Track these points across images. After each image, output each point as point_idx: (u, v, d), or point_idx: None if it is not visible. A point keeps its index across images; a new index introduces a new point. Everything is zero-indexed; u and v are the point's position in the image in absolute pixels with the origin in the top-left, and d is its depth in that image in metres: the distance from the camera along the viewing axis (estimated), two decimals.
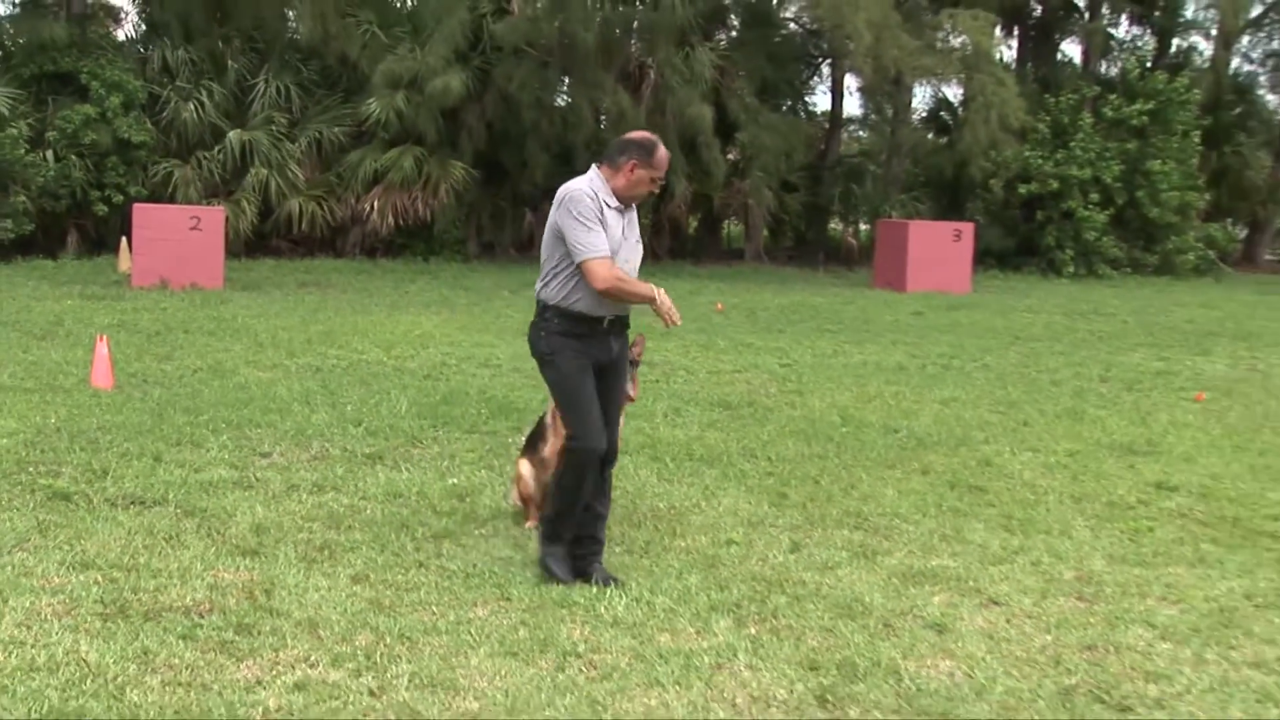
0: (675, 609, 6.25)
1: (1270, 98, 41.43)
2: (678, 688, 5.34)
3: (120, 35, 30.77)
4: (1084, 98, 34.00)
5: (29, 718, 4.77)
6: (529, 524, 7.63)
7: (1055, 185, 32.13)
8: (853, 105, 39.48)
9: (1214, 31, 39.51)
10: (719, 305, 21.58)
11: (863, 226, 37.06)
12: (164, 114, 26.99)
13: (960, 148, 32.27)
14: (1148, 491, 9.19)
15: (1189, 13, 39.32)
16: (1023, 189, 32.37)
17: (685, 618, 6.15)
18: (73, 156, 25.78)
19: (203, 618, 5.88)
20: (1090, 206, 32.08)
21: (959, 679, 5.59)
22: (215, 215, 22.05)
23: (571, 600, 6.30)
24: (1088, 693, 5.49)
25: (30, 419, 10.05)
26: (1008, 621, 6.36)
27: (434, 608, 6.16)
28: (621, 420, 7.19)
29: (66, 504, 7.74)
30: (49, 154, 25.60)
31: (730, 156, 31.68)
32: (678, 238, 33.90)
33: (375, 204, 27.59)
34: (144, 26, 30.23)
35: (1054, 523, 8.25)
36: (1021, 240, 33.23)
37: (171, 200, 25.29)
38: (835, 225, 38.31)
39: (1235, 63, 40.62)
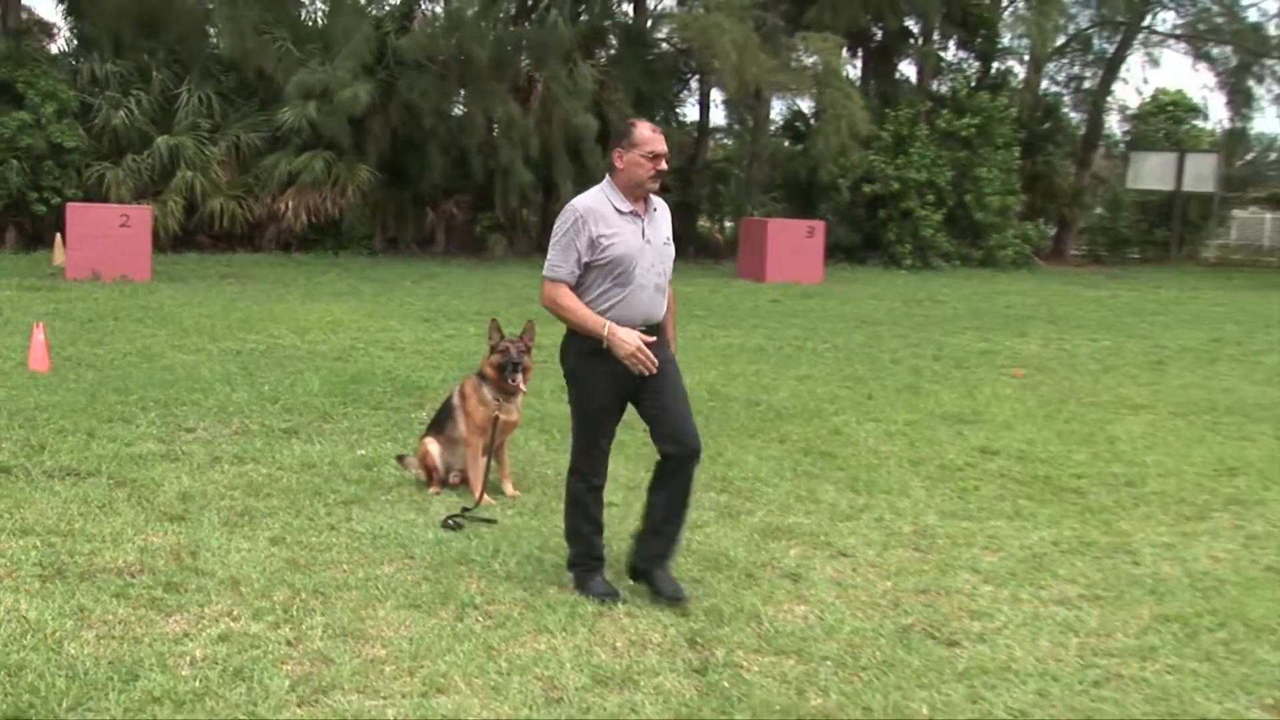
0: (562, 565, 6.24)
1: (1073, 115, 42.22)
2: (564, 633, 5.35)
3: (54, 49, 30.09)
4: (920, 112, 34.38)
5: None
6: (431, 491, 7.63)
7: (896, 187, 32.48)
8: (718, 116, 39.69)
9: (1026, 57, 40.27)
10: None
11: (727, 224, 37.31)
12: (95, 121, 26.40)
13: (813, 154, 32.52)
14: (974, 455, 9.36)
15: (1006, 40, 39.94)
16: (867, 190, 32.67)
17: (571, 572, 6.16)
18: (11, 160, 25.22)
19: (134, 577, 5.79)
20: (926, 207, 32.49)
21: (811, 621, 5.66)
22: (143, 213, 21.65)
23: (469, 557, 6.29)
24: (922, 630, 5.59)
25: None
26: (854, 570, 6.45)
27: (345, 566, 6.12)
28: (686, 411, 6.00)
29: (6, 476, 7.60)
30: None
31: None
32: None
33: (290, 203, 27.27)
34: (76, 41, 29.56)
35: (894, 483, 8.37)
36: (866, 236, 33.54)
37: (104, 200, 24.76)
38: (704, 222, 38.47)
39: (1045, 84, 41.39)
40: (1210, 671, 5.26)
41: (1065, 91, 42.73)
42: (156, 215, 24.17)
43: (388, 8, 32.45)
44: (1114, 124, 44.62)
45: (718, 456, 8.93)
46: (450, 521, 6.90)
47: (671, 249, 6.16)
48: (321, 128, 27.21)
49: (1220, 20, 40.16)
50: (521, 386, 7.58)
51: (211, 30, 29.50)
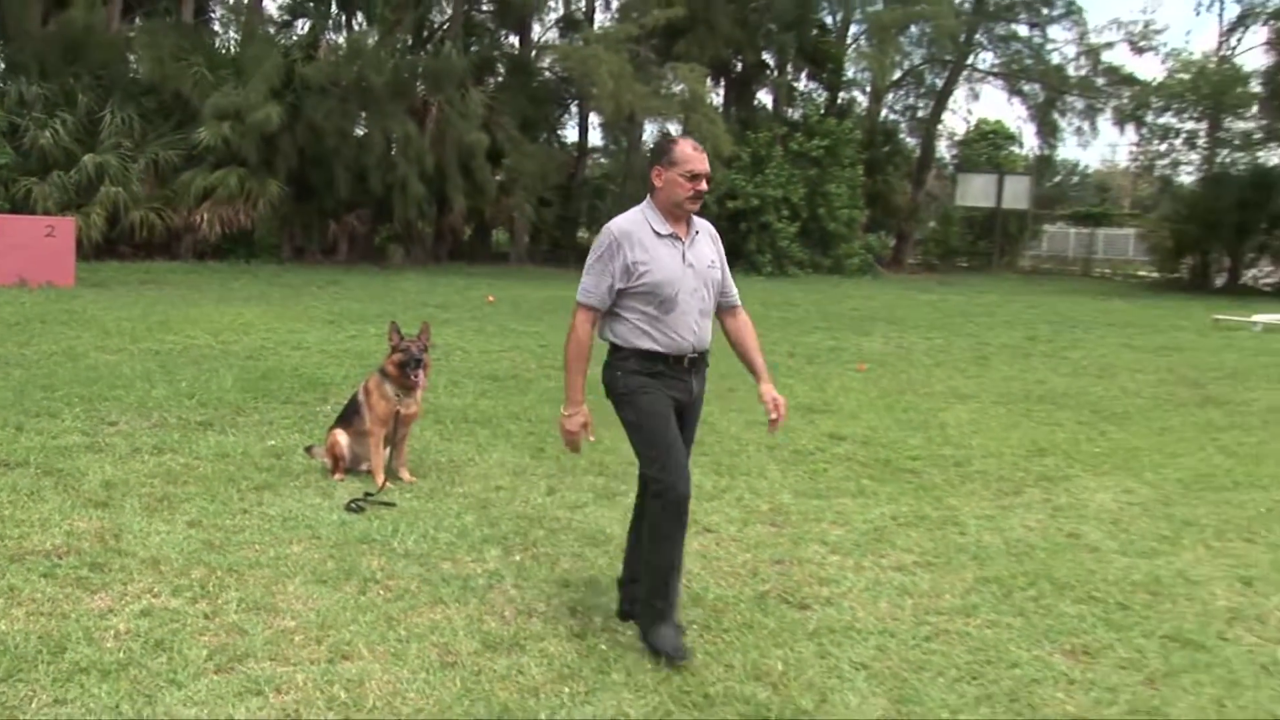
0: (455, 542, 6.22)
1: (909, 140, 42.97)
2: (457, 604, 5.33)
3: None
4: (775, 135, 34.80)
5: None
6: (336, 477, 7.54)
7: (755, 202, 32.85)
8: (596, 137, 39.81)
9: (868, 88, 41.00)
10: (490, 298, 21.47)
11: None
12: (23, 140, 25.64)
13: None
14: (824, 441, 9.46)
15: (850, 73, 40.63)
16: (730, 205, 32.96)
17: (463, 549, 6.13)
18: None
19: (61, 559, 5.65)
20: (782, 220, 32.92)
21: (680, 589, 5.69)
22: (67, 224, 21.08)
23: (371, 537, 6.22)
24: (777, 596, 5.64)
25: None
26: (717, 544, 6.49)
27: (257, 546, 6.03)
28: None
29: None
30: None
31: (498, 178, 31.59)
32: (456, 243, 33.66)
33: (205, 215, 26.81)
34: (4, 65, 28.73)
35: (753, 467, 8.43)
36: (729, 246, 33.40)
37: (31, 213, 24.06)
38: (583, 233, 38.52)
39: (884, 113, 42.10)
40: (1022, 624, 5.40)
41: (902, 119, 43.59)
42: (81, 226, 23.66)
43: (295, 37, 32.20)
44: (944, 148, 45.72)
45: (596, 444, 8.93)
46: (353, 505, 6.83)
47: (717, 272, 5.16)
48: (235, 146, 26.79)
49: (1029, 61, 41.30)
50: (422, 382, 7.56)
51: (132, 57, 28.87)
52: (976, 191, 41.37)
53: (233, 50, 30.74)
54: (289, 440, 8.63)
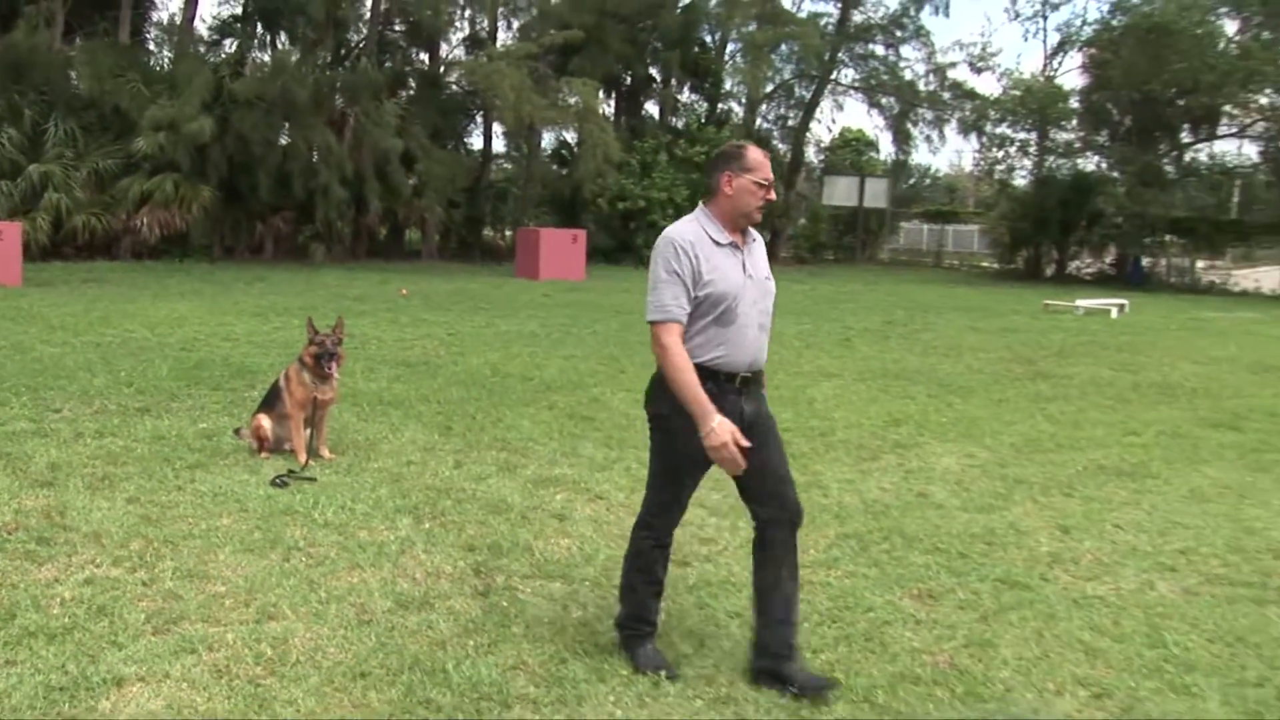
0: (371, 513, 6.21)
1: (781, 146, 43.26)
2: (373, 568, 5.33)
3: None
4: (661, 142, 34.91)
5: None
6: (261, 455, 7.47)
7: (643, 204, 32.96)
8: (499, 145, 39.58)
9: (744, 99, 41.24)
10: (403, 291, 21.28)
11: (508, 233, 37.30)
12: None
13: (576, 176, 32.81)
14: None
15: (728, 85, 40.86)
16: (620, 205, 33.08)
17: (378, 519, 6.13)
18: None
19: (10, 535, 5.54)
20: (667, 219, 32.77)
21: (574, 551, 5.75)
22: (14, 229, 20.47)
23: (294, 509, 6.18)
24: None
25: None
26: (608, 510, 6.56)
27: (190, 519, 5.96)
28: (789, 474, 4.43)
29: None
30: None
31: (411, 181, 31.34)
32: (372, 242, 33.32)
33: (143, 218, 26.23)
34: None
35: (640, 440, 8.40)
36: (620, 242, 33.88)
37: None
38: (489, 231, 38.41)
39: (758, 122, 42.38)
40: (876, 574, 5.55)
41: (774, 127, 43.84)
42: (27, 230, 23.01)
43: (224, 55, 31.65)
44: (812, 154, 46.01)
45: (498, 422, 8.96)
46: (278, 480, 6.78)
47: (773, 284, 4.44)
48: (170, 155, 26.27)
49: (886, 77, 41.96)
50: (335, 373, 7.58)
51: (73, 74, 28.17)
52: (841, 192, 41.85)
53: (166, 67, 30.20)
54: (219, 423, 8.52)
